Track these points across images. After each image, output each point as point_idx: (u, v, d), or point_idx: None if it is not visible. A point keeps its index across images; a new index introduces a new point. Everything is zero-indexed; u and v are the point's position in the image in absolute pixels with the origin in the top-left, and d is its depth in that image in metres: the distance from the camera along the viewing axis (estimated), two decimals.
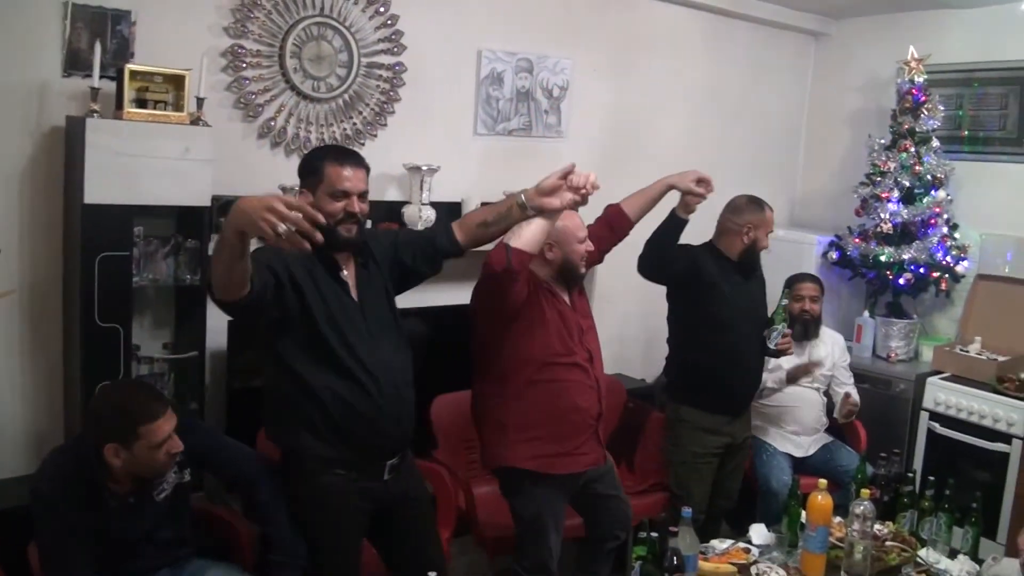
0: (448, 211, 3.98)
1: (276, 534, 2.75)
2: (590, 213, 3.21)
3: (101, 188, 3.08)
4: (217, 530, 3.06)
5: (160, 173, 3.15)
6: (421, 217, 3.87)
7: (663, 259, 3.63)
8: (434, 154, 4.02)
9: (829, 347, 4.46)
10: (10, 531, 2.77)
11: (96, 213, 3.09)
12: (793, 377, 4.32)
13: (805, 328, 4.33)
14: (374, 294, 2.81)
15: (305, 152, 3.56)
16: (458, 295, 3.16)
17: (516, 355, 3.15)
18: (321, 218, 2.20)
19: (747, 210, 3.76)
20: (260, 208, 2.09)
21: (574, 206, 2.79)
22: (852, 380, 4.52)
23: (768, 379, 4.22)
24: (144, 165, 3.13)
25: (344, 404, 2.67)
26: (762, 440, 4.28)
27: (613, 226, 3.43)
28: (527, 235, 2.84)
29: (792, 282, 4.33)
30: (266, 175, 3.65)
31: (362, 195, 2.70)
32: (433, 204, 3.91)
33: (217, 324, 3.45)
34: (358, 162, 2.72)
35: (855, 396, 4.40)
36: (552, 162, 4.40)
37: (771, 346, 3.77)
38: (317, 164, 2.68)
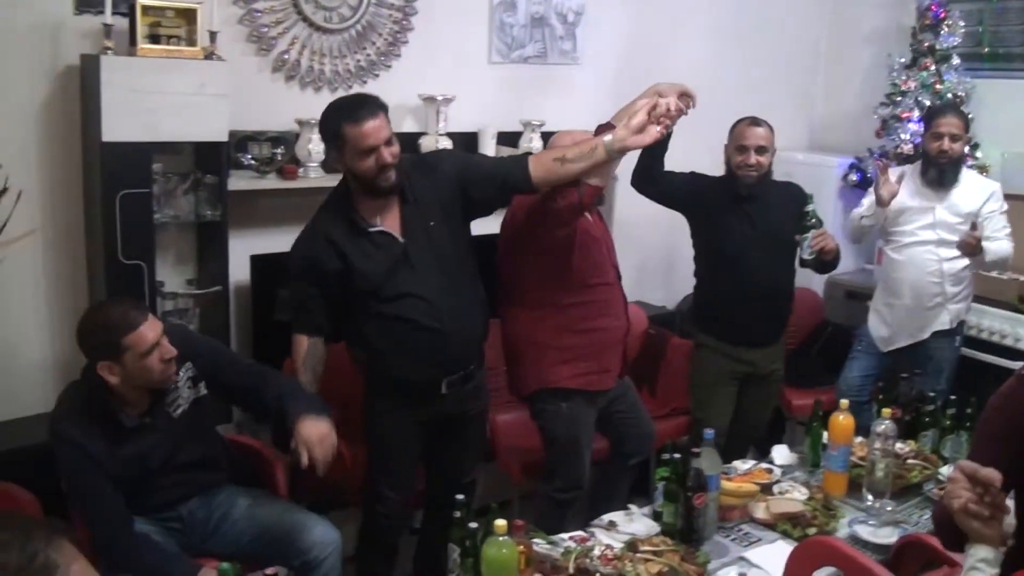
0: (464, 141, 3.97)
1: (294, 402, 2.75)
2: None
3: (118, 126, 3.08)
4: (248, 461, 3.11)
5: (176, 109, 3.15)
6: (438, 148, 3.85)
7: (651, 174, 3.62)
8: (449, 84, 3.98)
9: (968, 196, 3.97)
10: (44, 465, 2.82)
11: (115, 151, 3.10)
12: (882, 200, 3.94)
13: (940, 173, 3.93)
14: (423, 227, 2.87)
15: (320, 85, 3.57)
16: (484, 224, 3.17)
17: (553, 280, 3.20)
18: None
19: (730, 132, 3.71)
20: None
21: (662, 137, 2.86)
22: (1007, 233, 3.95)
23: (862, 209, 4.05)
24: (160, 101, 3.12)
25: (400, 335, 2.86)
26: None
27: None
28: (600, 173, 2.93)
29: (930, 117, 4.05)
30: (282, 109, 3.64)
31: (388, 141, 2.73)
32: (449, 135, 3.89)
33: (240, 259, 3.49)
34: (373, 111, 2.73)
35: (990, 243, 3.86)
36: (568, 89, 4.42)
37: (805, 256, 3.58)
38: (335, 129, 2.73)
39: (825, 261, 3.66)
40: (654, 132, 2.77)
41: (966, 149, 4.60)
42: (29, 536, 1.24)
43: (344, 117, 2.72)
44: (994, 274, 4.50)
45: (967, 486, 1.76)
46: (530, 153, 3.03)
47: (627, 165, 3.52)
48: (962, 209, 3.94)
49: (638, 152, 3.36)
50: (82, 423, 2.55)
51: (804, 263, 3.64)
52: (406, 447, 3.05)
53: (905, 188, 4.04)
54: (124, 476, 2.59)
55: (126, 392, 2.58)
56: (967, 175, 4.06)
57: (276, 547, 2.70)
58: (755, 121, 3.67)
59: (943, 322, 4.05)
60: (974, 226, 3.80)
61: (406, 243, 2.84)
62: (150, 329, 2.53)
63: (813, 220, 3.55)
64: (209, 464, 2.85)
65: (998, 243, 3.91)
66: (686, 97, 3.16)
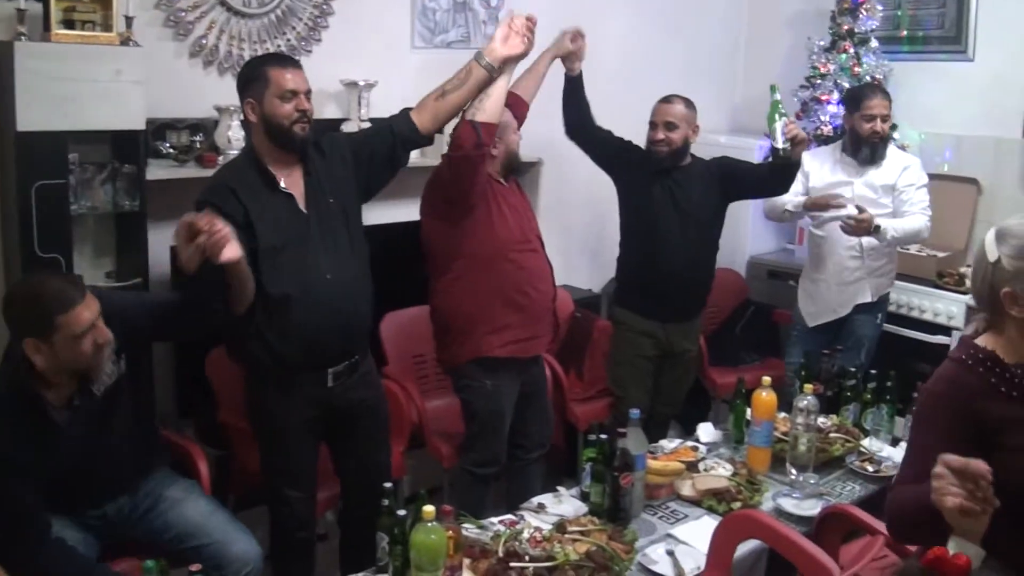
0: None
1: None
2: None
3: (33, 114, 2.99)
4: (174, 457, 3.06)
5: (92, 97, 3.07)
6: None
7: (581, 122, 3.71)
8: (371, 69, 3.95)
9: (885, 170, 4.09)
10: None
11: (30, 140, 3.01)
12: (815, 205, 4.04)
13: (872, 151, 4.04)
14: (325, 201, 2.85)
15: (239, 71, 3.50)
16: (407, 211, 3.18)
17: (478, 248, 3.23)
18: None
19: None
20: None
21: (526, 51, 3.00)
22: (923, 207, 4.06)
23: (789, 202, 4.09)
24: (75, 89, 3.04)
25: (283, 308, 2.76)
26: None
27: (513, 113, 3.42)
28: (489, 106, 3.01)
29: (859, 99, 4.08)
30: (200, 96, 3.57)
31: (307, 94, 2.79)
32: (371, 120, 3.85)
33: (160, 251, 3.42)
34: (297, 64, 2.83)
35: (892, 220, 3.97)
36: None
37: (779, 145, 3.56)
38: (259, 71, 2.77)
39: (792, 163, 3.67)
40: (516, 42, 2.98)
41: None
42: None
43: (269, 62, 2.82)
44: (912, 249, 4.62)
45: (954, 481, 1.72)
46: (409, 108, 3.07)
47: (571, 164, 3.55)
48: (878, 183, 4.07)
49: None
50: (11, 425, 2.38)
51: (778, 156, 3.61)
52: (301, 443, 2.96)
53: (823, 167, 4.17)
54: (52, 478, 2.46)
55: (51, 375, 2.42)
56: (890, 150, 4.19)
57: (197, 552, 2.62)
58: (668, 98, 3.74)
59: (865, 296, 4.16)
60: (858, 209, 3.90)
61: (308, 214, 2.83)
62: (87, 309, 2.37)
63: (782, 107, 3.60)
64: (139, 450, 2.74)
65: (908, 218, 4.03)
66: (576, 35, 3.52)
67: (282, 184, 2.80)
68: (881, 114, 4.01)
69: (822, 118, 4.86)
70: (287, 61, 2.82)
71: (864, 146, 4.06)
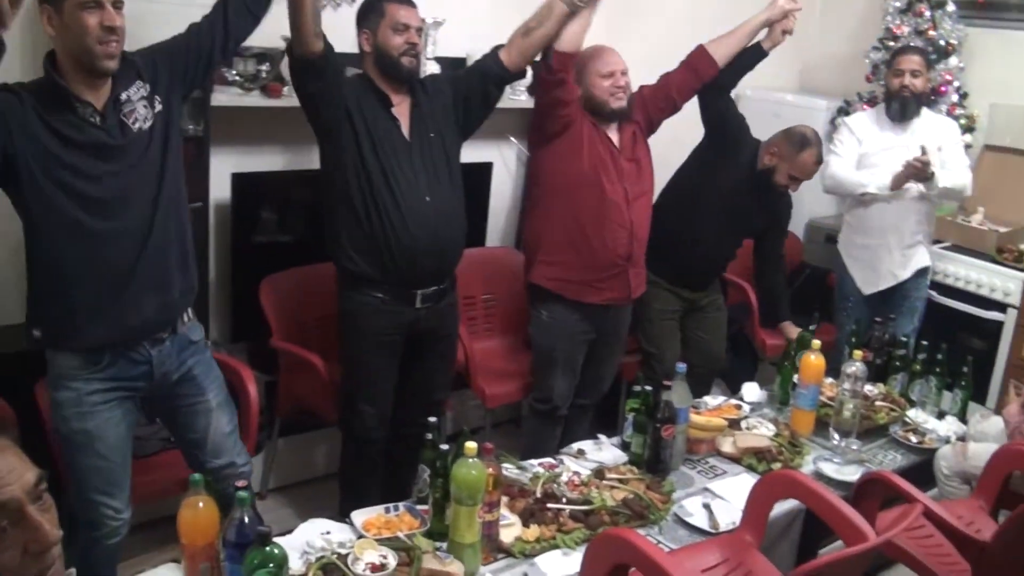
0: (453, 66, 3.91)
1: None
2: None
3: None
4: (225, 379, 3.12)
5: (159, 20, 3.01)
6: (426, 73, 3.80)
7: (724, 86, 3.60)
8: (439, 6, 3.92)
9: (930, 130, 4.04)
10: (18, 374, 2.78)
11: None
12: (901, 179, 3.92)
13: (903, 106, 3.98)
14: (427, 134, 3.00)
15: None
16: (476, 153, 3.20)
17: (550, 178, 3.34)
18: None
19: (788, 139, 3.68)
20: None
21: None
22: (965, 166, 4.08)
23: (870, 183, 4.00)
24: (142, 11, 3.01)
25: (379, 226, 2.91)
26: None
27: (696, 68, 3.44)
28: (567, 36, 3.09)
29: (893, 55, 4.11)
30: (268, 25, 3.44)
31: (418, 30, 2.96)
32: (438, 59, 3.84)
33: (221, 177, 3.45)
34: (411, 2, 2.98)
35: (944, 171, 3.92)
36: None
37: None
38: (378, 5, 2.93)
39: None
40: None
41: (955, 98, 4.63)
42: None
43: None
44: (973, 222, 4.55)
45: None
46: (500, 46, 3.16)
47: None
48: (931, 145, 3.95)
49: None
50: (37, 110, 2.25)
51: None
52: (383, 359, 3.07)
53: (869, 131, 4.10)
54: (92, 199, 2.30)
55: (71, 68, 2.27)
56: (927, 115, 4.12)
57: (200, 463, 2.62)
58: (819, 157, 3.74)
59: (924, 259, 4.14)
60: (923, 150, 3.83)
61: (411, 142, 2.96)
62: None
63: None
64: (182, 242, 2.53)
65: (956, 172, 3.99)
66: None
67: (394, 109, 2.95)
68: (911, 69, 3.94)
69: None
70: None
71: (894, 101, 4.00)
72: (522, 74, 3.23)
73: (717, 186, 3.72)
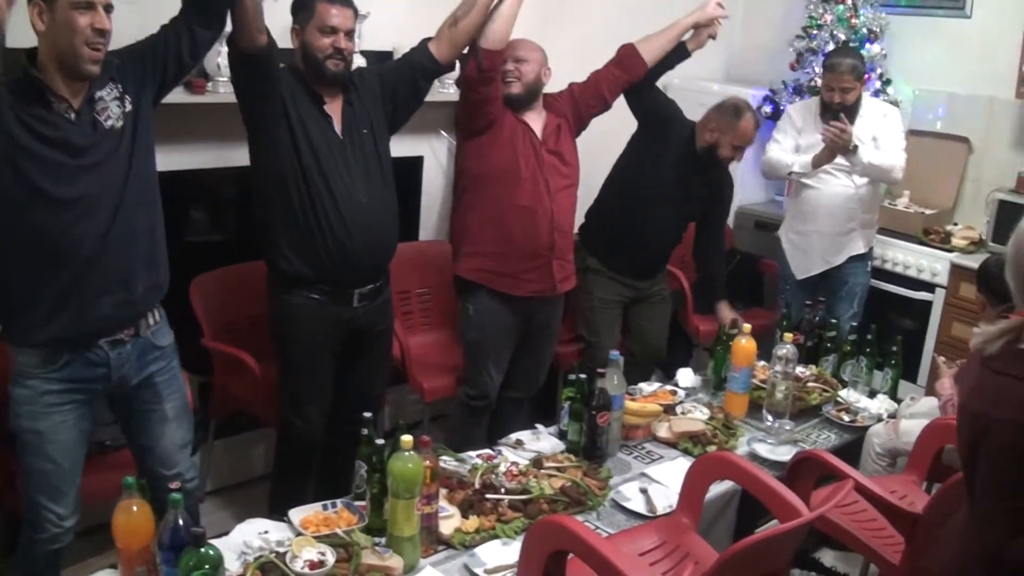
0: (379, 60, 3.88)
1: None
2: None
3: (18, 36, 2.89)
4: None
5: None
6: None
7: (645, 85, 3.62)
8: (363, 0, 3.89)
9: (868, 122, 4.10)
10: None
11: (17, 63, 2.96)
12: (819, 161, 4.05)
13: (835, 117, 3.99)
14: (359, 131, 2.95)
15: None
16: (411, 147, 3.19)
17: (473, 170, 3.33)
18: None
19: (723, 111, 3.74)
20: None
21: None
22: (900, 148, 4.10)
23: (795, 163, 4.11)
24: None
25: (315, 226, 2.86)
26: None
27: (626, 66, 3.48)
28: (493, 31, 3.08)
29: (825, 66, 4.13)
30: None
31: (348, 33, 2.88)
32: (363, 53, 3.81)
33: None
34: (346, 2, 2.89)
35: (868, 149, 4.01)
36: None
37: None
38: (310, 1, 2.85)
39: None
40: None
41: (878, 84, 4.72)
42: None
43: None
44: (900, 205, 4.65)
45: None
46: (428, 38, 3.13)
47: None
48: (864, 136, 4.07)
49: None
50: (12, 106, 2.23)
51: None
52: (320, 360, 3.04)
53: (808, 122, 4.18)
54: (63, 200, 2.28)
55: (53, 65, 2.25)
56: (867, 103, 4.19)
57: (151, 473, 2.58)
58: (758, 121, 3.84)
59: (857, 247, 4.20)
60: (841, 118, 3.92)
61: (344, 140, 2.92)
62: None
63: None
64: (152, 242, 2.51)
65: (885, 152, 4.06)
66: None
67: (325, 106, 2.91)
68: (840, 87, 3.99)
69: (816, 69, 4.83)
70: None
71: (827, 111, 4.07)
72: (451, 67, 3.21)
73: (659, 173, 3.76)
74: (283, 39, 2.93)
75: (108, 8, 2.29)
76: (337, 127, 2.92)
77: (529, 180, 3.29)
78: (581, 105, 3.48)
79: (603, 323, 3.87)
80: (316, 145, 2.86)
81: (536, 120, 3.37)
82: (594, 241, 3.88)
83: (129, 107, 2.41)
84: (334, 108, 2.93)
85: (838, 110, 4.01)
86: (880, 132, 4.10)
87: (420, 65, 3.07)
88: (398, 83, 3.07)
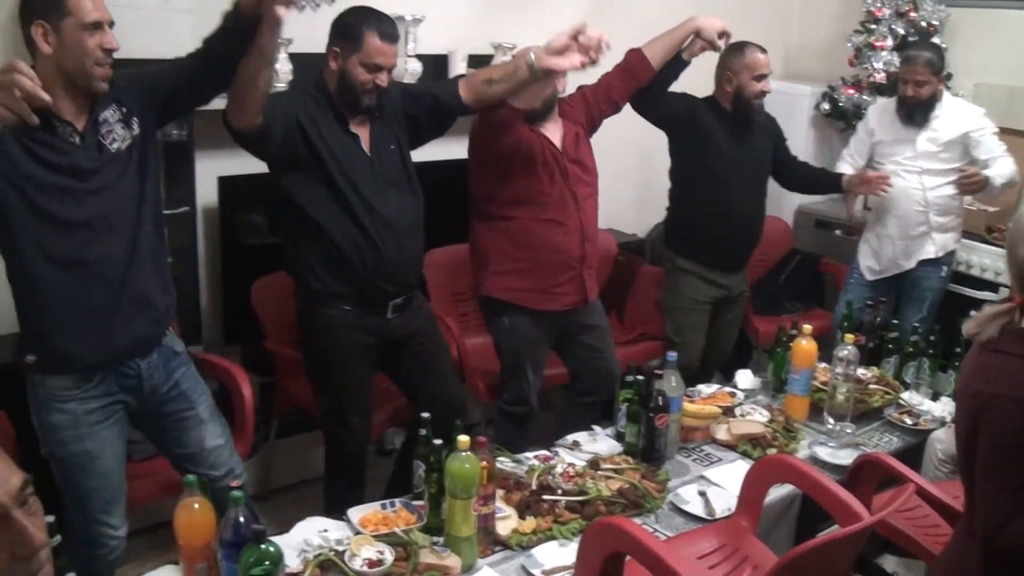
0: (434, 64, 3.92)
1: None
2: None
3: None
4: (218, 379, 3.15)
5: (139, 25, 3.05)
6: (407, 70, 3.78)
7: (653, 97, 3.58)
8: (419, 3, 3.92)
9: (949, 124, 4.01)
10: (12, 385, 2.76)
11: None
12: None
13: (909, 113, 3.99)
14: (386, 147, 2.92)
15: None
16: (456, 150, 3.18)
17: (498, 191, 3.27)
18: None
19: (728, 55, 3.70)
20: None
21: (582, 67, 2.79)
22: (1004, 150, 3.97)
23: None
24: (125, 17, 3.03)
25: (350, 245, 2.85)
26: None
27: (633, 71, 3.44)
28: (524, 97, 3.01)
29: (902, 59, 4.11)
30: None
31: (390, 70, 2.82)
32: (419, 56, 3.84)
33: (208, 180, 3.45)
34: (395, 37, 2.82)
35: (992, 168, 3.91)
36: (540, 10, 4.36)
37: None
38: (358, 32, 2.77)
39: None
40: (575, 60, 2.76)
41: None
42: None
43: (372, 25, 2.78)
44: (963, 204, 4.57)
45: None
46: (462, 76, 3.09)
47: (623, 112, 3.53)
48: (942, 138, 3.99)
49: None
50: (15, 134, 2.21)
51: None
52: (357, 370, 3.03)
53: (884, 120, 4.12)
54: (71, 223, 2.29)
55: (57, 87, 2.25)
56: (949, 103, 4.08)
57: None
58: (762, 49, 3.73)
59: (928, 252, 4.13)
60: (962, 169, 3.90)
61: (372, 157, 2.89)
62: (97, 7, 2.26)
63: None
64: (158, 261, 2.52)
65: (1000, 163, 3.96)
66: (724, 35, 3.38)
67: (350, 126, 2.87)
68: (914, 80, 3.93)
69: (875, 64, 4.76)
70: (389, 32, 2.81)
71: (903, 105, 4.02)
72: (475, 111, 3.10)
73: (719, 156, 3.74)
74: (305, 43, 2.90)
75: (111, 25, 2.31)
76: (365, 145, 2.90)
77: (556, 195, 3.27)
78: (594, 109, 3.46)
79: (691, 324, 3.86)
80: (347, 168, 2.83)
81: (554, 131, 3.32)
82: (682, 242, 3.87)
83: (136, 130, 2.42)
84: (360, 127, 2.91)
85: (913, 104, 3.95)
86: (976, 137, 3.99)
87: (446, 103, 3.00)
88: (420, 111, 3.02)
